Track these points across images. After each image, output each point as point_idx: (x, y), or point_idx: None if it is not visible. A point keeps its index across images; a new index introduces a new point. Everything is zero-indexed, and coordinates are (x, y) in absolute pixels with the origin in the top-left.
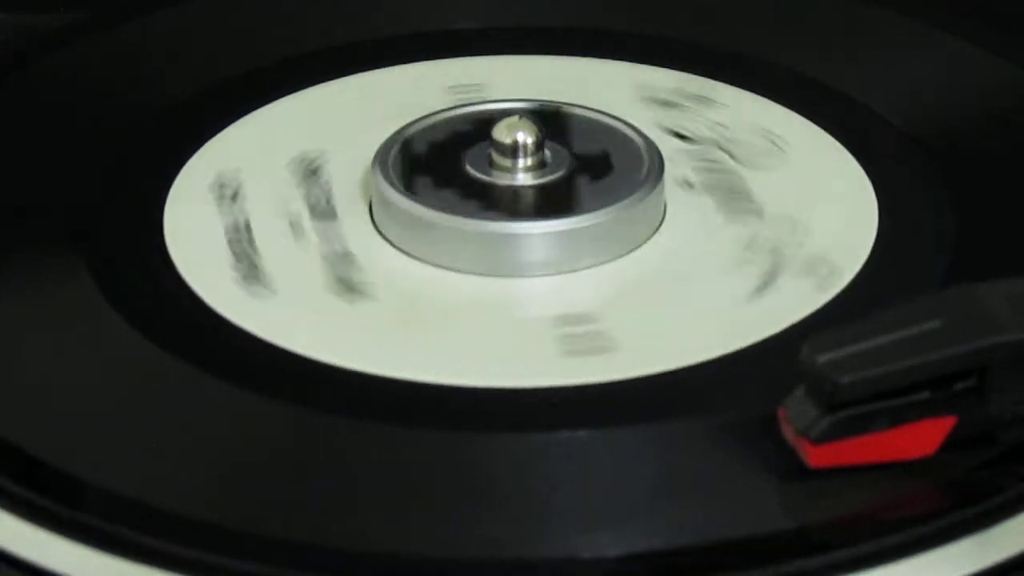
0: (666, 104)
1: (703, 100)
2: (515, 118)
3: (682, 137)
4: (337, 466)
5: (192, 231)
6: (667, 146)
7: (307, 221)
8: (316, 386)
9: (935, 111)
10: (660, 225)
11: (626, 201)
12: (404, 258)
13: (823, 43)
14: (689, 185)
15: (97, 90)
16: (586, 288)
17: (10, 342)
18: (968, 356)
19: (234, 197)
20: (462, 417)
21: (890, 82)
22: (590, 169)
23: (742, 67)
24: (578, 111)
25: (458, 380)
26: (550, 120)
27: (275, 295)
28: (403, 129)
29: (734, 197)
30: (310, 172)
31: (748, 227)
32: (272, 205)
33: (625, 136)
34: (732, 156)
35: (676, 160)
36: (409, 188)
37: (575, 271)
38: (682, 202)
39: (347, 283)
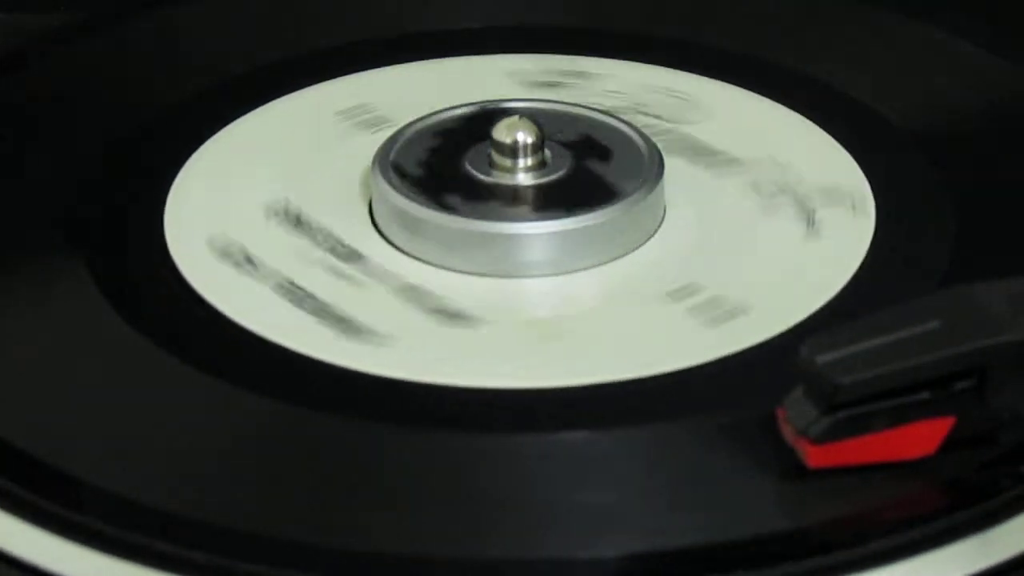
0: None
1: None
2: (515, 118)
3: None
4: (337, 466)
5: (192, 230)
6: None
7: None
8: (316, 386)
9: (935, 111)
10: (661, 223)
11: (626, 201)
12: (403, 258)
13: (823, 43)
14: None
15: (97, 90)
16: (586, 288)
17: (10, 342)
18: (967, 356)
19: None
20: (461, 417)
21: (890, 82)
22: (590, 169)
23: (740, 67)
24: (578, 111)
25: (457, 380)
26: (550, 120)
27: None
28: (403, 129)
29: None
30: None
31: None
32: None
33: (625, 136)
34: None
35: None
36: (409, 188)
37: (575, 271)
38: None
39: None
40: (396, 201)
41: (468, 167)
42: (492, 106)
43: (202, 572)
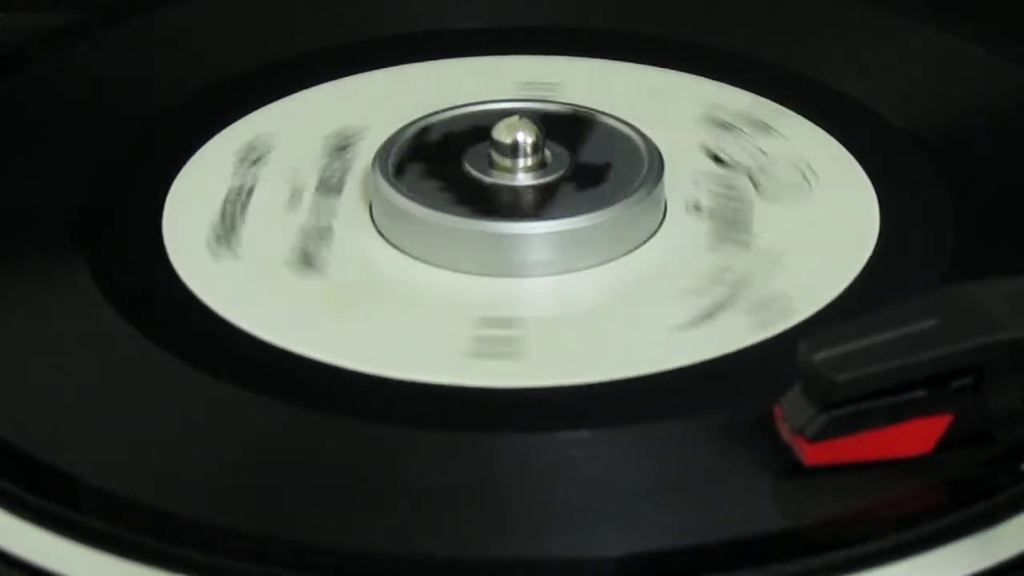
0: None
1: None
2: (515, 118)
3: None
4: (338, 466)
5: (191, 231)
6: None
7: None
8: (317, 386)
9: (935, 111)
10: (660, 225)
11: (626, 202)
12: (404, 258)
13: (821, 43)
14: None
15: (97, 90)
16: (585, 289)
17: (10, 342)
18: (964, 355)
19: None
20: (461, 417)
21: (890, 82)
22: (590, 170)
23: (737, 67)
24: (578, 111)
25: (458, 380)
26: (550, 120)
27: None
28: (403, 129)
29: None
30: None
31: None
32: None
33: (625, 136)
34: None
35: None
36: (409, 188)
37: (574, 271)
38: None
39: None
40: (395, 200)
41: (468, 167)
42: (492, 106)
43: (202, 572)
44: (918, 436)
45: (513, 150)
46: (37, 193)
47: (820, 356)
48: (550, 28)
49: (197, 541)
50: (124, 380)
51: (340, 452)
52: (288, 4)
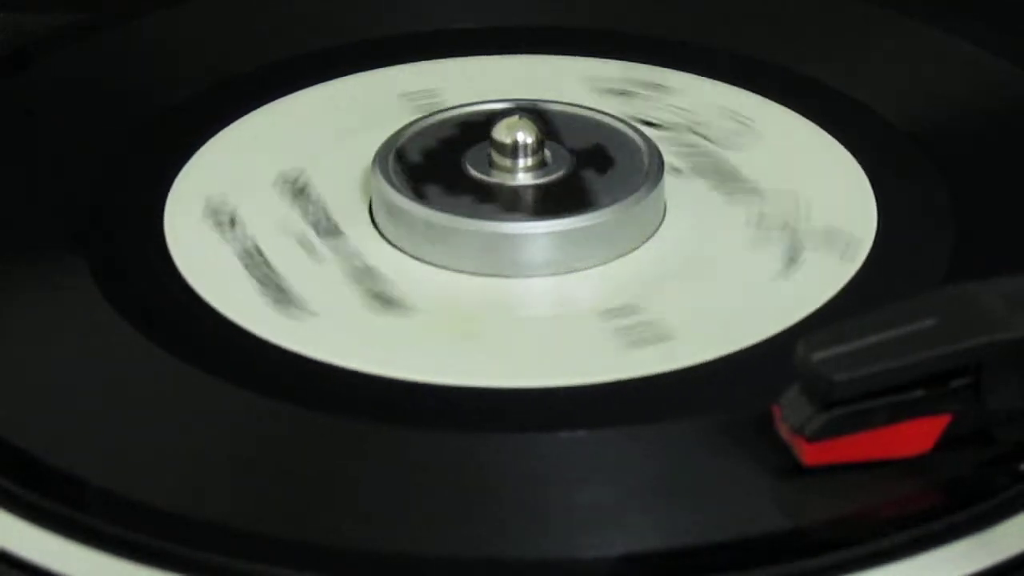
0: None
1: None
2: (515, 118)
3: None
4: (338, 466)
5: (192, 229)
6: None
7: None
8: (317, 387)
9: (935, 111)
10: (661, 224)
11: (627, 200)
12: (404, 259)
13: (822, 42)
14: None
15: (97, 90)
16: (587, 288)
17: (10, 342)
18: (963, 354)
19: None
20: (461, 417)
21: (890, 82)
22: (590, 168)
23: (739, 66)
24: (578, 111)
25: (457, 380)
26: (550, 120)
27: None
28: (403, 129)
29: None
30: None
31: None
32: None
33: (624, 135)
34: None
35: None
36: (409, 189)
37: (576, 271)
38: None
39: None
40: (396, 202)
41: (468, 167)
42: (492, 106)
43: (202, 572)
44: (917, 436)
45: (513, 150)
46: (37, 193)
47: (819, 355)
48: (546, 28)
49: (197, 541)
50: (124, 380)
51: (339, 452)
52: (288, 4)
